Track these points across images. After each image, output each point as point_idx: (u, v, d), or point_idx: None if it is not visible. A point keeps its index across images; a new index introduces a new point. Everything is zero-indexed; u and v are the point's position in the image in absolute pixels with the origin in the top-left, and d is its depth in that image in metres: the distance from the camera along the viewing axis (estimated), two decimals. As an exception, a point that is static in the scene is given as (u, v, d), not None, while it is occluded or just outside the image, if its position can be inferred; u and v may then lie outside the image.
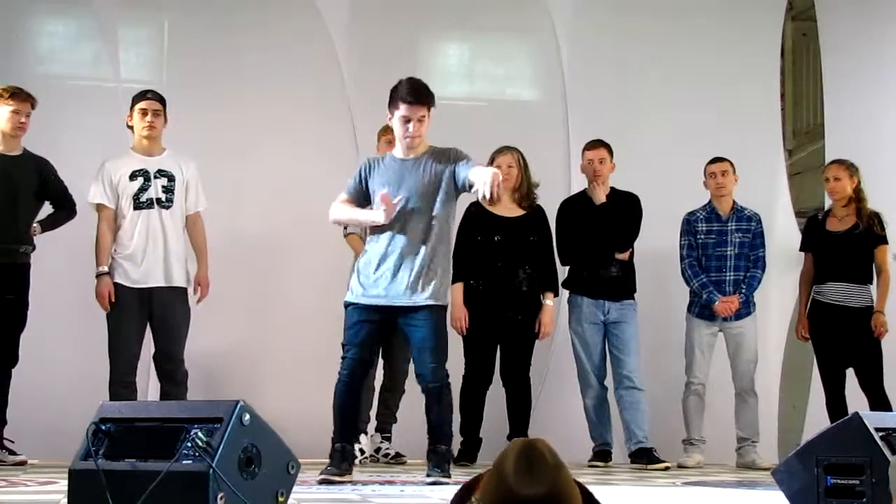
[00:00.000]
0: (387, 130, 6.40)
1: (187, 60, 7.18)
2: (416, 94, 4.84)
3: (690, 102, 7.59)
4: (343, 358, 4.95)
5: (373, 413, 6.44)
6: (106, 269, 5.88)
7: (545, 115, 7.66)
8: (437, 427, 4.98)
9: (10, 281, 5.80)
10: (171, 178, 5.99)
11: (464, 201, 6.51)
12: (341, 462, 4.87)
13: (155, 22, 7.41)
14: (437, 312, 4.94)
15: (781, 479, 3.50)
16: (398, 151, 5.00)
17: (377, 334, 5.02)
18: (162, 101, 6.03)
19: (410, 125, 4.86)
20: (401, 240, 4.88)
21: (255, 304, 6.91)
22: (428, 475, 4.91)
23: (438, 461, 4.94)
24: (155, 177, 5.96)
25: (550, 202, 6.62)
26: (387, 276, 4.87)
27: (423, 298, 4.87)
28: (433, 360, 4.91)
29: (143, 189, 5.94)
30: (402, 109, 4.86)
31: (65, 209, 6.07)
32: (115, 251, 5.93)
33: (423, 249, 4.88)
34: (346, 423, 4.97)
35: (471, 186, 4.77)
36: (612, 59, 7.70)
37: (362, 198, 5.03)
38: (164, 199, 5.97)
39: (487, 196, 4.51)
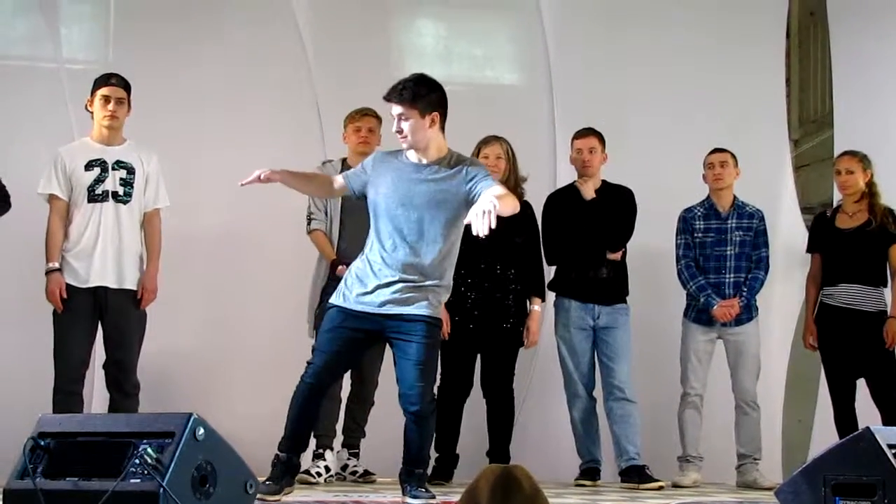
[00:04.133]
0: (353, 117, 6.42)
1: (135, 39, 7.14)
2: (390, 90, 4.91)
3: (688, 88, 7.61)
4: (309, 364, 4.94)
5: (339, 427, 6.43)
6: (57, 265, 5.85)
7: (528, 100, 7.67)
8: (419, 451, 4.98)
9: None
10: (130, 171, 5.97)
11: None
12: (283, 475, 4.87)
13: (100, -5, 7.38)
14: (432, 328, 4.95)
15: (786, 500, 3.53)
16: (412, 153, 5.01)
17: (356, 346, 5.01)
18: (127, 87, 6.00)
19: (394, 123, 4.93)
20: (400, 248, 4.88)
21: (212, 306, 6.89)
22: (414, 496, 4.88)
23: (419, 482, 4.95)
24: (113, 168, 5.94)
25: (534, 196, 6.62)
26: (381, 284, 4.87)
27: (421, 310, 4.88)
28: (423, 380, 4.90)
29: (98, 181, 5.91)
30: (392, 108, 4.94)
31: (-3, 201, 6.04)
32: (64, 247, 5.90)
33: (427, 260, 4.89)
34: (300, 432, 4.96)
35: None
36: (603, 40, 7.70)
37: (358, 188, 5.04)
38: (121, 192, 5.94)
39: (481, 235, 4.54)
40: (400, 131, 4.90)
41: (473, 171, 4.93)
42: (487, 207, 4.46)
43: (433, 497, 4.89)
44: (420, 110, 4.86)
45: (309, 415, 4.96)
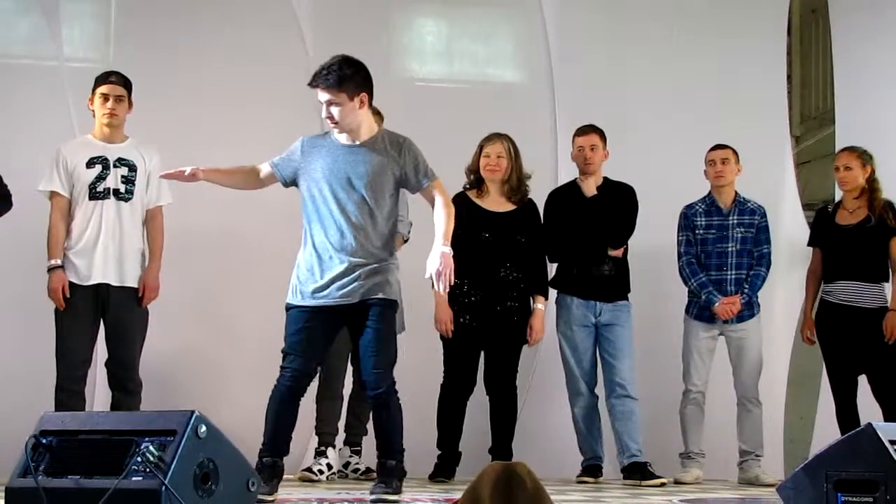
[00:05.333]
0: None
1: (136, 37, 7.14)
2: (314, 76, 4.84)
3: (690, 84, 7.61)
4: (285, 367, 4.87)
5: (341, 424, 6.43)
6: (59, 262, 5.85)
7: (530, 98, 7.66)
8: (386, 439, 4.95)
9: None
10: (132, 169, 5.97)
11: (447, 191, 6.53)
12: (272, 478, 4.82)
13: (101, -7, 7.37)
14: (389, 311, 4.92)
15: (787, 496, 3.52)
16: (342, 136, 4.94)
17: (325, 341, 4.99)
18: (126, 85, 6.00)
19: (323, 110, 4.86)
20: (347, 233, 4.84)
21: (214, 303, 6.88)
22: (371, 492, 4.85)
23: (386, 476, 4.91)
24: (114, 166, 5.94)
25: (536, 193, 6.62)
26: (334, 274, 4.84)
27: (374, 295, 4.85)
28: (383, 364, 4.88)
29: (100, 178, 5.91)
30: (318, 93, 4.87)
31: (-2, 199, 6.03)
32: (65, 245, 5.90)
33: (375, 240, 4.87)
34: (282, 436, 4.89)
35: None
36: (604, 38, 7.71)
37: (289, 175, 4.99)
38: (122, 190, 5.94)
39: (441, 292, 4.54)
40: (330, 117, 4.84)
41: (411, 158, 4.93)
42: (445, 270, 4.66)
43: (396, 493, 4.84)
44: (348, 94, 4.80)
45: (290, 419, 4.90)
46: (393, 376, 4.95)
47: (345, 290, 4.84)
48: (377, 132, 4.97)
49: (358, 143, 4.91)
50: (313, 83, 4.82)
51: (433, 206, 4.96)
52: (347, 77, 4.79)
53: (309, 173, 4.92)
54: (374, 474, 6.19)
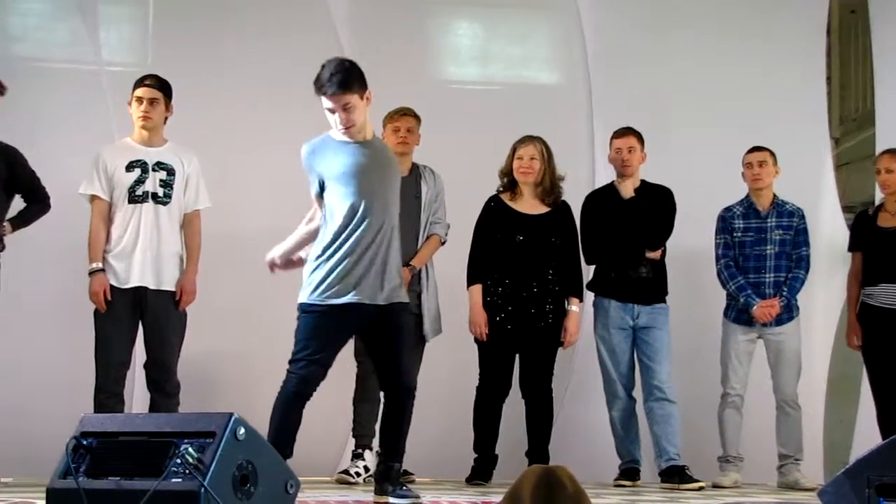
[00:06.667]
0: (392, 117, 6.42)
1: (174, 41, 7.18)
2: (326, 84, 4.71)
3: (727, 87, 7.57)
4: (292, 373, 4.80)
5: (376, 427, 6.44)
6: (100, 265, 5.87)
7: (566, 100, 7.65)
8: (400, 441, 4.91)
9: (-23, 282, 5.80)
10: (170, 172, 5.99)
11: (482, 194, 6.55)
12: None
13: (139, -2, 7.42)
14: (408, 314, 4.92)
15: (829, 501, 3.49)
16: (346, 135, 4.82)
17: (339, 345, 4.92)
18: (163, 88, 6.01)
19: (337, 117, 4.75)
20: (368, 235, 4.77)
21: (252, 306, 6.88)
22: (401, 496, 4.78)
23: (395, 479, 4.86)
24: (153, 169, 5.96)
25: (572, 196, 6.62)
26: (357, 274, 4.77)
27: (396, 298, 4.83)
28: (409, 365, 4.88)
29: (139, 182, 5.93)
30: (324, 101, 4.77)
31: (37, 203, 6.06)
32: (105, 248, 5.92)
33: (389, 245, 4.82)
34: (286, 438, 4.75)
35: None
36: (641, 40, 7.68)
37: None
38: (160, 193, 5.96)
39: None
40: (346, 120, 4.73)
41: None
42: None
43: (418, 497, 4.83)
44: (358, 92, 4.74)
45: (295, 423, 4.77)
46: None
47: (365, 290, 4.77)
48: (371, 129, 4.91)
49: (367, 139, 4.84)
50: (323, 91, 4.71)
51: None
52: (353, 77, 4.72)
53: (334, 177, 4.81)
54: (412, 476, 6.26)
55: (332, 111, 4.76)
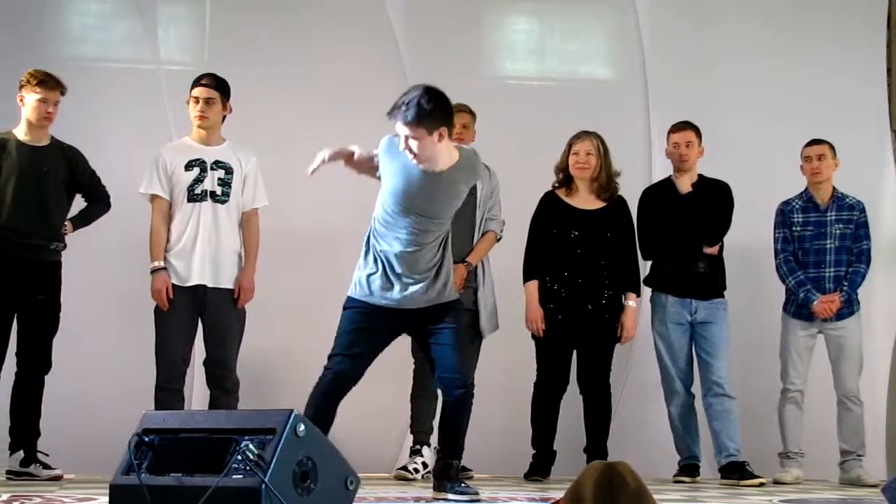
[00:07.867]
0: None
1: (231, 39, 7.23)
2: (394, 109, 4.65)
3: (785, 80, 7.51)
4: (328, 368, 4.79)
5: (435, 423, 6.44)
6: (162, 263, 5.93)
7: (623, 95, 7.62)
8: (456, 439, 4.91)
9: (41, 281, 5.84)
10: (228, 171, 6.03)
11: (538, 190, 6.54)
12: None
13: (196, -3, 7.47)
14: (455, 309, 4.91)
15: (892, 497, 3.46)
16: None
17: (381, 346, 4.88)
18: (220, 87, 6.05)
19: (401, 141, 4.67)
20: (418, 238, 4.76)
21: (311, 303, 6.89)
22: (461, 492, 4.76)
23: (454, 476, 4.86)
24: (212, 168, 6.00)
25: (629, 191, 6.59)
26: (396, 281, 4.77)
27: (444, 298, 4.83)
28: (463, 363, 4.87)
29: (198, 180, 5.98)
30: (397, 127, 4.69)
31: (97, 202, 6.12)
32: (165, 247, 5.97)
33: (439, 253, 4.82)
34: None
35: None
36: (697, 34, 7.64)
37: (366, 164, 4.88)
38: (219, 192, 6.00)
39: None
40: (409, 149, 4.63)
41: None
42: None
43: (476, 493, 4.81)
44: (427, 128, 4.59)
45: (327, 420, 4.72)
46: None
47: (409, 297, 4.76)
48: (456, 159, 4.78)
49: (437, 170, 4.73)
50: (393, 116, 4.64)
51: None
52: (427, 112, 4.57)
53: (384, 176, 4.81)
54: (470, 472, 6.25)
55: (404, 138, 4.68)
